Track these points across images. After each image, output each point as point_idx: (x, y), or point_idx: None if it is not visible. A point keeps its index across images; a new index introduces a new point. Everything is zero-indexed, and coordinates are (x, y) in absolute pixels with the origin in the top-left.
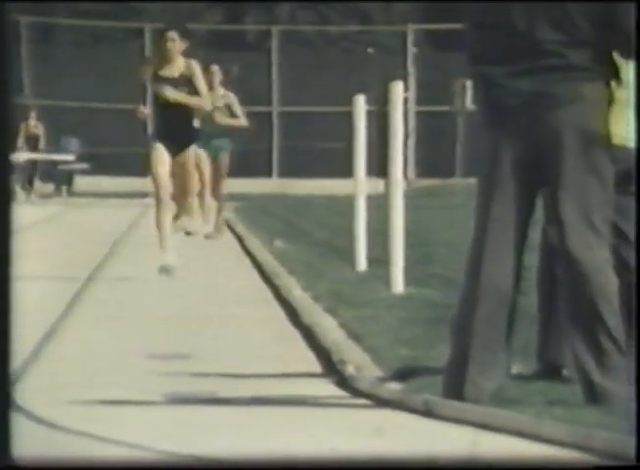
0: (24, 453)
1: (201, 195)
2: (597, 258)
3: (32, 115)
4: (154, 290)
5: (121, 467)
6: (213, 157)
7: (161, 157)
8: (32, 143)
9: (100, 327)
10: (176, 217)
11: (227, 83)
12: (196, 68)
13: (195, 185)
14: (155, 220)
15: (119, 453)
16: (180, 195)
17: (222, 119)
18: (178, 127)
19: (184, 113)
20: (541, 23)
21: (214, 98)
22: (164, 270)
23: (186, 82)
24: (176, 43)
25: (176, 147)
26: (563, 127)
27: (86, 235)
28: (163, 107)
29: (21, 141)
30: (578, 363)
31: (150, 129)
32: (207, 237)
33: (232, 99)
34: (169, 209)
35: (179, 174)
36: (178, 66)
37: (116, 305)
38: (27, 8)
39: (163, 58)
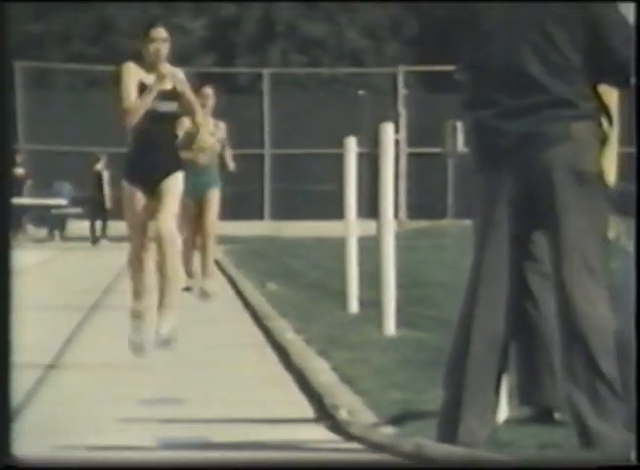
0: (24, 453)
1: (203, 244)
2: (592, 298)
3: (19, 159)
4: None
5: (121, 467)
6: (199, 197)
7: (135, 201)
8: (18, 187)
9: (91, 373)
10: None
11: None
12: (184, 79)
13: (205, 227)
14: (128, 271)
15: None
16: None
17: (205, 157)
18: (157, 153)
19: (166, 133)
20: (529, 55)
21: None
22: (164, 343)
23: (177, 95)
24: (167, 44)
25: (157, 177)
26: (554, 167)
27: (75, 280)
28: (142, 127)
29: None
30: (572, 406)
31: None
32: (203, 295)
33: (223, 133)
34: (149, 264)
35: (161, 211)
36: (164, 74)
37: (107, 351)
38: (22, 52)
39: (149, 63)
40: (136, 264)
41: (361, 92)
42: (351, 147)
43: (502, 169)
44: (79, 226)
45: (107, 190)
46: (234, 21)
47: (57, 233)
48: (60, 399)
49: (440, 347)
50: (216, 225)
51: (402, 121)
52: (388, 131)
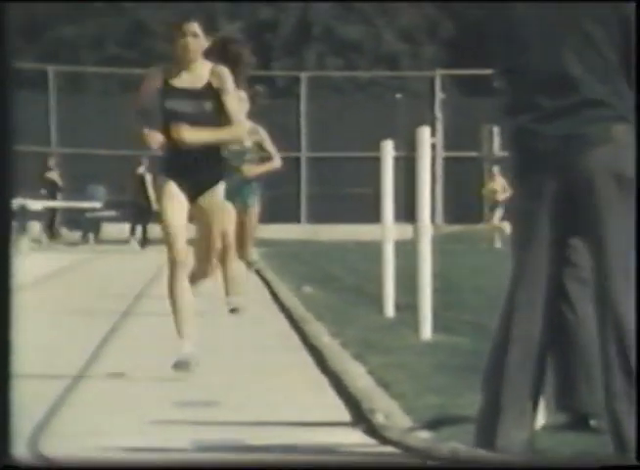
0: (24, 453)
1: (223, 257)
2: (632, 309)
3: (52, 162)
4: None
5: (122, 467)
6: (239, 205)
7: (175, 200)
8: (51, 190)
9: (122, 379)
10: (192, 283)
11: (255, 112)
12: (227, 76)
13: (227, 239)
14: (168, 290)
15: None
16: (202, 253)
17: (251, 169)
18: (200, 158)
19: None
20: (567, 56)
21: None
22: (182, 365)
23: (211, 96)
24: (199, 40)
25: (197, 186)
26: (595, 169)
27: (107, 284)
28: (168, 128)
29: (41, 188)
30: (611, 414)
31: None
32: (233, 311)
33: (262, 134)
34: (187, 274)
35: (201, 225)
36: (200, 72)
37: (141, 353)
38: (56, 56)
39: (179, 61)
40: (175, 282)
41: (398, 95)
42: (388, 150)
43: (542, 173)
44: (114, 229)
45: (151, 193)
46: (271, 24)
47: (91, 236)
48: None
49: (476, 351)
50: (252, 239)
51: (439, 125)
52: (424, 135)
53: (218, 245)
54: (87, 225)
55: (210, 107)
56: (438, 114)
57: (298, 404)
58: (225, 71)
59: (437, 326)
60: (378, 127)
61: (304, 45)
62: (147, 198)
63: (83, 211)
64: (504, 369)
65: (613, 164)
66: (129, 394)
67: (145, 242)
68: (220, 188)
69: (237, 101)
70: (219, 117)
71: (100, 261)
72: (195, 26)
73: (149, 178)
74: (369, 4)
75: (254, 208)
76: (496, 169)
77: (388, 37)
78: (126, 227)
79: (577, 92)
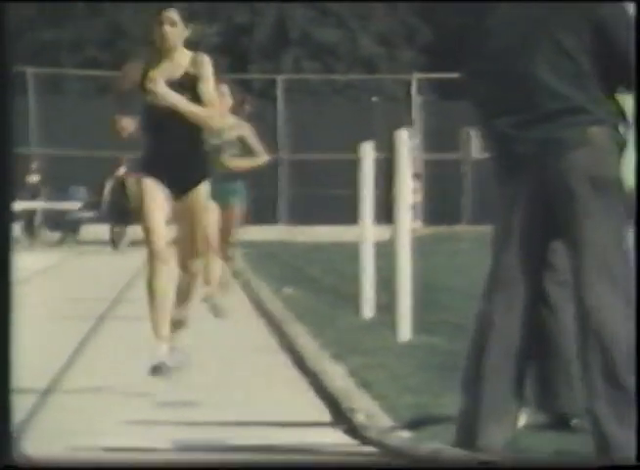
0: (24, 453)
1: (205, 259)
2: (612, 306)
3: (34, 165)
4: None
5: (121, 467)
6: (222, 204)
7: (155, 197)
8: (32, 192)
9: (104, 377)
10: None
11: (240, 115)
12: (206, 63)
13: (210, 239)
14: (147, 288)
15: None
16: (185, 254)
17: (233, 162)
18: (182, 154)
19: (191, 132)
20: (540, 63)
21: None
22: (159, 370)
23: (190, 86)
24: (177, 29)
25: (179, 184)
26: (573, 172)
27: (85, 284)
28: (159, 123)
29: (22, 190)
30: (591, 413)
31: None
32: (217, 314)
33: (246, 130)
34: (169, 272)
35: (184, 225)
36: (179, 61)
37: (119, 351)
38: (34, 58)
39: (159, 51)
40: (156, 279)
41: (375, 98)
42: (368, 152)
43: (521, 176)
44: (95, 230)
45: (131, 194)
46: (247, 27)
47: (70, 237)
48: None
49: (455, 351)
50: (233, 239)
51: (417, 128)
52: (402, 137)
53: (201, 246)
54: (66, 226)
55: (189, 97)
56: (416, 117)
57: (279, 404)
58: (205, 59)
59: (416, 326)
60: (354, 130)
61: (281, 48)
62: (127, 199)
63: (63, 212)
64: (483, 370)
65: (589, 166)
66: (107, 400)
67: (118, 244)
68: (204, 187)
69: (212, 87)
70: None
71: (78, 262)
72: (173, 14)
73: (130, 179)
74: (346, 8)
75: (239, 207)
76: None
77: (365, 41)
78: (106, 228)
79: (552, 98)
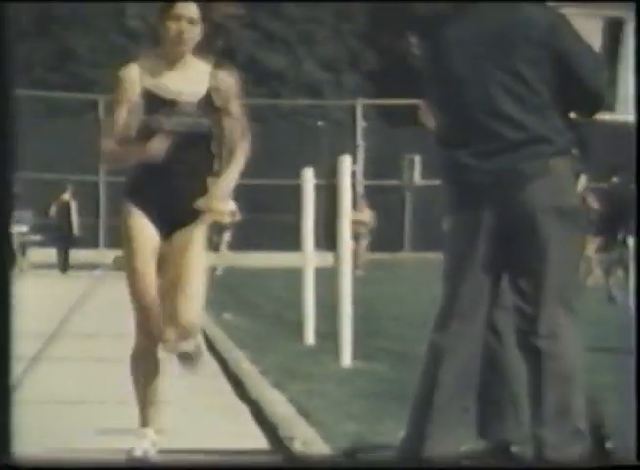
0: (24, 453)
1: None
2: (570, 340)
3: None
4: (97, 370)
5: (121, 467)
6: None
7: (146, 236)
8: None
9: (46, 406)
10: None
11: None
12: (232, 88)
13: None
14: (131, 367)
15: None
16: (165, 301)
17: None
18: (181, 181)
19: (199, 152)
20: (499, 94)
21: None
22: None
23: (207, 110)
24: (196, 29)
25: (174, 218)
26: (533, 203)
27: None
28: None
29: None
30: (537, 440)
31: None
32: (184, 359)
33: None
34: (155, 349)
35: (168, 266)
36: (193, 75)
37: (54, 387)
38: None
39: (165, 56)
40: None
41: (320, 124)
42: (309, 178)
43: (480, 207)
44: (41, 253)
45: (75, 219)
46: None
47: (20, 260)
48: None
49: (396, 379)
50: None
51: (360, 153)
52: (345, 163)
53: (188, 292)
54: (15, 249)
55: (207, 125)
56: (360, 142)
57: (217, 432)
58: (231, 82)
59: (358, 354)
60: (300, 155)
61: None
62: (70, 223)
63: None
64: (435, 400)
65: (551, 197)
66: (50, 422)
67: (66, 267)
68: (202, 226)
69: (241, 115)
70: (213, 137)
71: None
72: (193, 9)
73: (74, 205)
74: (292, 32)
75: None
76: (363, 200)
77: (310, 67)
78: (53, 252)
79: (512, 128)
